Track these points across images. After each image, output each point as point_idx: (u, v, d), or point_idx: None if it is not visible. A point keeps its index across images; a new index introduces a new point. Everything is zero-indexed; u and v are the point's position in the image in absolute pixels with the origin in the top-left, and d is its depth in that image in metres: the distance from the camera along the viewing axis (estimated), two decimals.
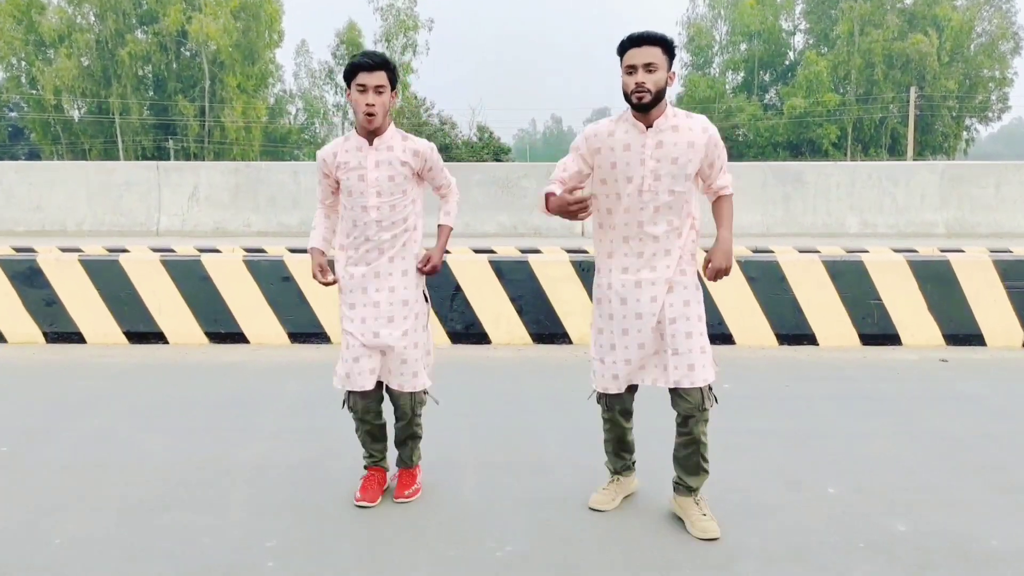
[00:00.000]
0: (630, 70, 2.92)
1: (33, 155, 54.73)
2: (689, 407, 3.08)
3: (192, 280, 6.45)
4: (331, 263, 3.42)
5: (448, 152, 39.68)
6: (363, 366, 3.29)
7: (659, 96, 2.92)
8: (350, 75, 3.18)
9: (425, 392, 3.47)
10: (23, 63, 48.63)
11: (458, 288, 6.47)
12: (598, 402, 3.33)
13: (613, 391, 3.22)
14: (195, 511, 3.37)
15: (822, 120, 50.88)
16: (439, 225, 3.59)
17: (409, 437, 3.52)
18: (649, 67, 2.89)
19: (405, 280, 3.33)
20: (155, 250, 8.61)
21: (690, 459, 3.19)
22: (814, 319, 6.41)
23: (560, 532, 3.16)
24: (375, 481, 3.50)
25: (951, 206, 14.16)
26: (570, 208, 2.86)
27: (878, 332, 6.40)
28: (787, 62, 57.13)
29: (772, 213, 14.21)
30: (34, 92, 49.07)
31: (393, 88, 3.22)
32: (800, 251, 8.29)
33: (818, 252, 7.83)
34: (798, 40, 57.77)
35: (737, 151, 53.22)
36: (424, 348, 3.44)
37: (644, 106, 2.92)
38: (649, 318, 3.07)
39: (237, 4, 48.60)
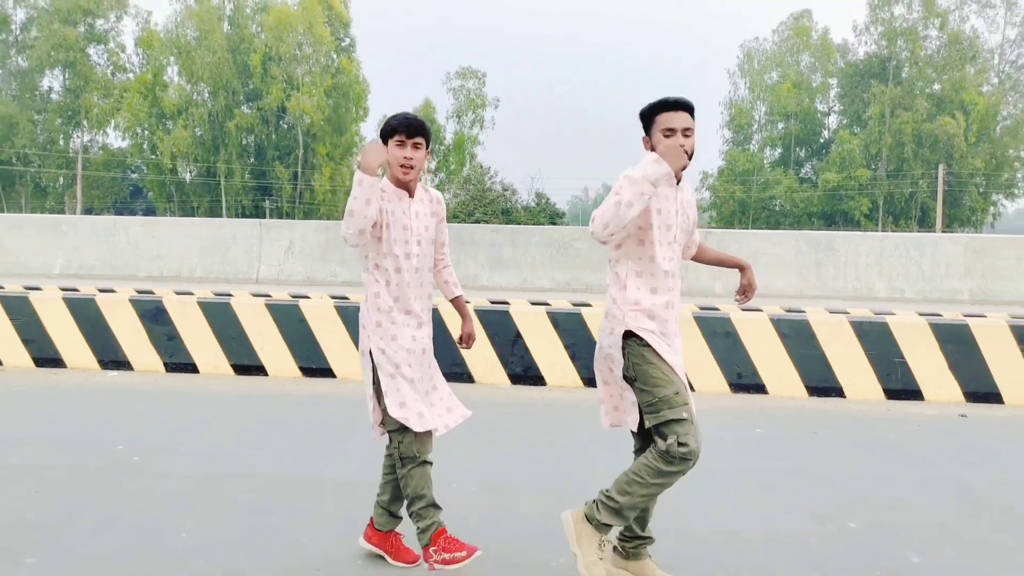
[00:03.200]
0: (669, 132, 2.78)
1: (149, 211, 57.46)
2: None
3: (290, 321, 6.82)
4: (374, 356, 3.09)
5: (509, 215, 40.32)
6: (431, 409, 3.14)
7: (691, 158, 2.82)
8: (392, 130, 3.05)
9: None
10: (146, 132, 51.53)
11: (518, 335, 6.69)
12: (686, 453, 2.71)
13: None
14: (294, 516, 3.61)
15: (854, 193, 50.22)
16: (457, 298, 3.37)
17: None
18: (687, 132, 2.78)
19: (429, 328, 3.22)
20: (255, 295, 9.08)
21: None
22: (841, 374, 6.43)
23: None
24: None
25: (975, 275, 13.89)
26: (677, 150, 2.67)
27: (902, 388, 6.38)
28: (822, 140, 56.76)
29: (805, 278, 14.14)
30: (154, 157, 51.84)
31: (427, 148, 3.11)
32: (830, 312, 8.29)
33: (847, 313, 7.84)
34: (832, 120, 57.45)
35: (774, 220, 52.74)
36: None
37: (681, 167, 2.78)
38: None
39: (330, 84, 50.85)
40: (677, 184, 2.91)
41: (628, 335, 2.83)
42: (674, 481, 2.74)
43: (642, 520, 2.98)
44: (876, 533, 3.52)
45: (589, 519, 2.85)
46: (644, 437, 2.96)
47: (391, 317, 3.10)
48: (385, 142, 3.07)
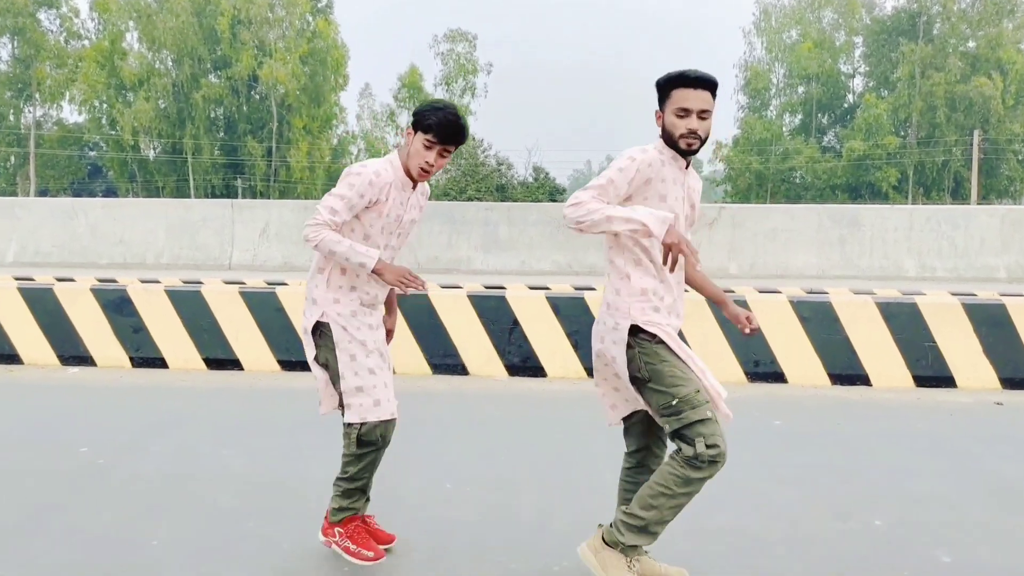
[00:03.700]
0: (683, 113, 2.73)
1: (110, 192, 57.32)
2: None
3: (267, 311, 6.83)
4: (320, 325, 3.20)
5: (504, 192, 40.31)
6: (391, 392, 3.19)
7: (704, 143, 2.80)
8: (428, 127, 3.02)
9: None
10: (104, 105, 51.25)
11: (516, 323, 6.71)
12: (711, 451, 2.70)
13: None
14: (274, 520, 3.64)
15: (882, 163, 50.24)
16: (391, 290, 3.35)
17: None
18: (703, 114, 2.73)
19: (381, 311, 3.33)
20: (228, 282, 9.09)
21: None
22: (867, 360, 6.47)
23: None
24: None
25: (1013, 250, 13.93)
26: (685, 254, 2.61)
27: (932, 374, 6.42)
28: (846, 105, 56.70)
29: (828, 256, 14.18)
30: (113, 133, 51.61)
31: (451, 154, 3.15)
32: (855, 292, 8.33)
33: (873, 294, 7.87)
34: (857, 83, 57.37)
35: (794, 193, 52.79)
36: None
37: (692, 152, 2.79)
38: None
39: (306, 50, 50.58)
40: (686, 168, 2.86)
41: (634, 330, 2.80)
42: (701, 487, 2.73)
43: None
44: (904, 531, 3.56)
45: (612, 544, 2.85)
46: (639, 437, 2.99)
47: (350, 296, 3.17)
48: (415, 130, 3.07)
